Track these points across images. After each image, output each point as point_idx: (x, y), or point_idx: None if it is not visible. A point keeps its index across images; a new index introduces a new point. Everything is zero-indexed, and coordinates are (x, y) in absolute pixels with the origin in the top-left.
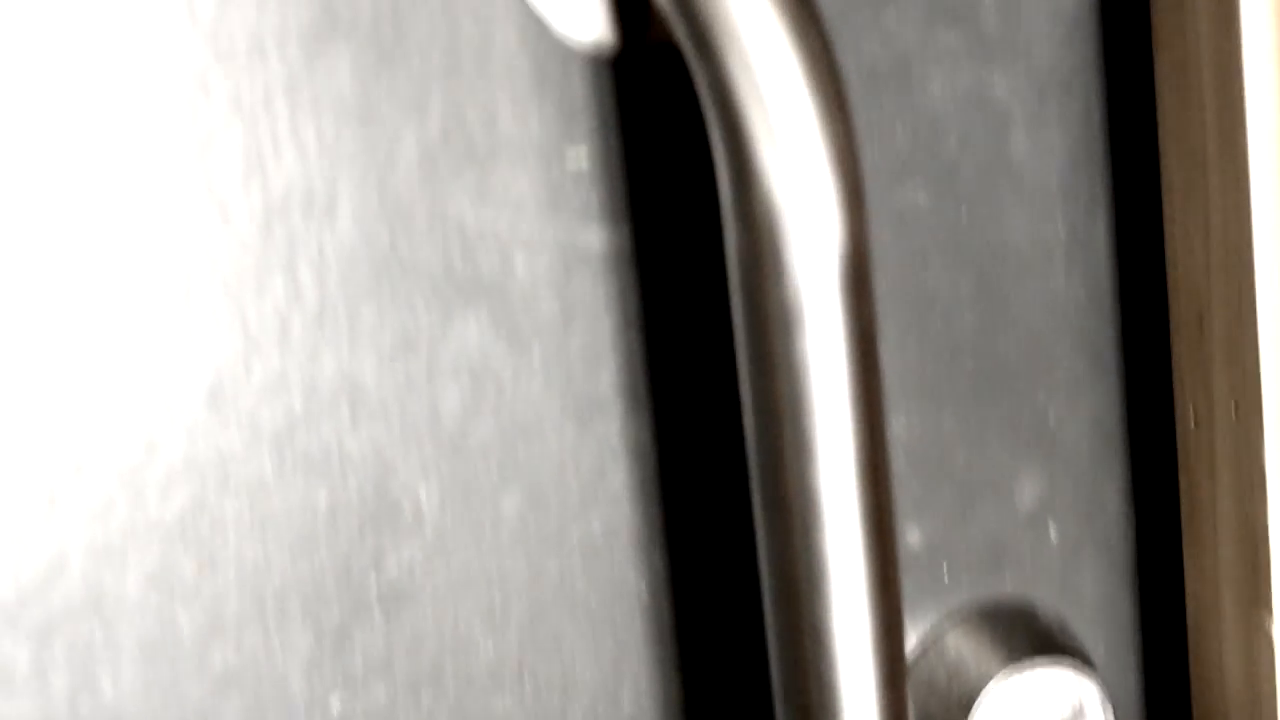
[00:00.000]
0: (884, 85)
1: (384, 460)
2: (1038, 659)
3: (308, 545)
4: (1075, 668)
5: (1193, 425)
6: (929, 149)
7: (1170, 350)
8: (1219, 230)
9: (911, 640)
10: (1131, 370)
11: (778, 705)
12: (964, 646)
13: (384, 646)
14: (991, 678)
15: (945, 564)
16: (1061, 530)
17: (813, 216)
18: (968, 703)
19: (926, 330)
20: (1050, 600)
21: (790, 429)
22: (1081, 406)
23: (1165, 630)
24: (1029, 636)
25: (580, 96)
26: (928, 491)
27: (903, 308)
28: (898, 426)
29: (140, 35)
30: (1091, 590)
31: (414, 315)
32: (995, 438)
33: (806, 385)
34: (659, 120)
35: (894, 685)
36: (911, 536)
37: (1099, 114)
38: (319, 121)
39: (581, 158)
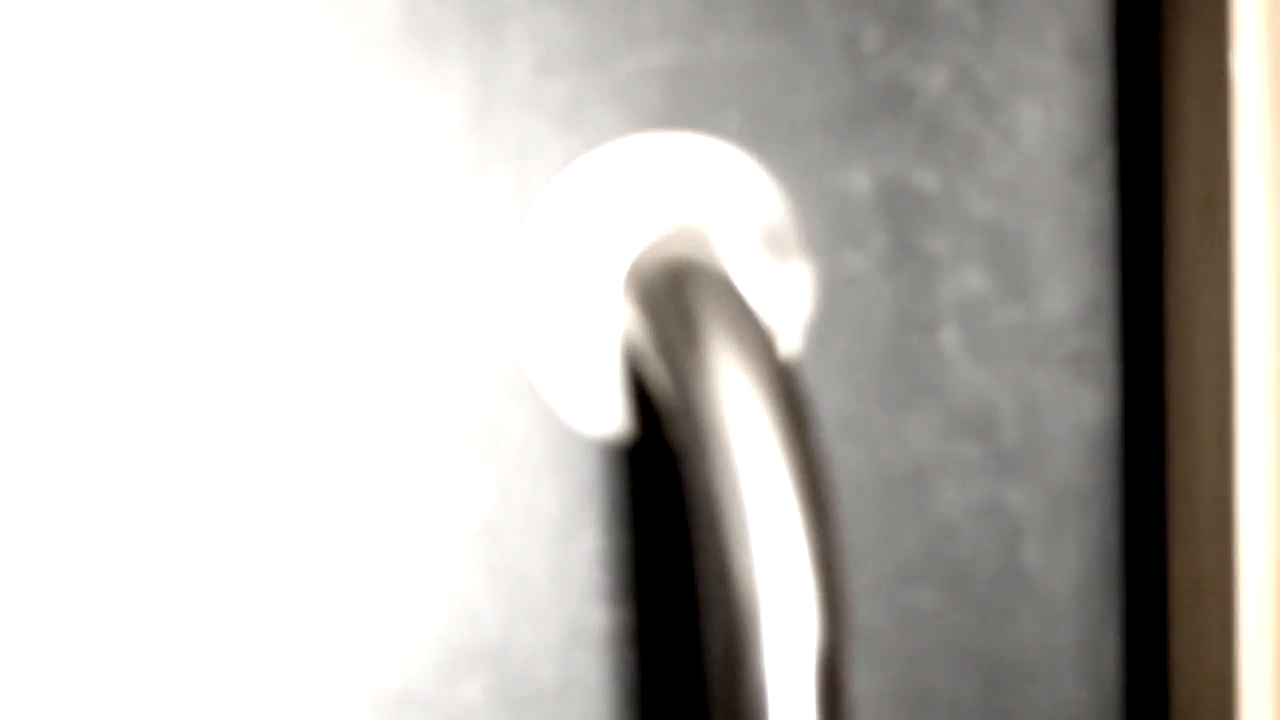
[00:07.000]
0: (898, 491)
1: None
2: None
3: None
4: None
5: None
6: (940, 554)
7: None
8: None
9: None
10: None
11: None
12: None
13: None
14: None
15: None
16: None
17: (789, 621)
18: None
19: None
20: None
21: None
22: None
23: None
24: None
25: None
26: None
27: (903, 707)
28: None
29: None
30: None
31: None
32: None
33: None
34: (668, 508)
35: None
36: None
37: (1115, 531)
38: None
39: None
